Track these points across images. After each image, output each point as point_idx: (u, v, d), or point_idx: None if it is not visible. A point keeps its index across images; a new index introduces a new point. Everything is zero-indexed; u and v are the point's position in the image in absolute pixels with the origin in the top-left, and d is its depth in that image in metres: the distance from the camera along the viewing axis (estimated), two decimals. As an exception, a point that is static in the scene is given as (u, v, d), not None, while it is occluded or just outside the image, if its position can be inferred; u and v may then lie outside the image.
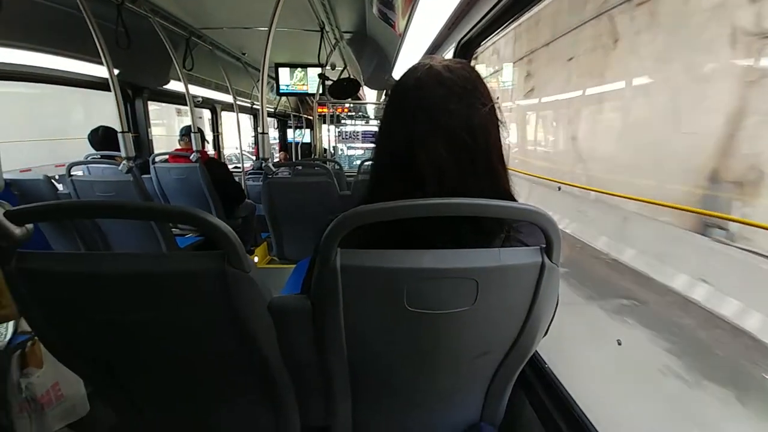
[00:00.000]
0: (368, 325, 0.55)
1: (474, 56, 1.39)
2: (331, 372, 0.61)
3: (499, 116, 0.56)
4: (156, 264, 0.51)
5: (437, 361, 0.62)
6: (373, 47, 2.88)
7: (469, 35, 1.34)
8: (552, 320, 0.64)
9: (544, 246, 0.53)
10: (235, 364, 0.61)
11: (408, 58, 1.86)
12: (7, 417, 1.19)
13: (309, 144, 7.07)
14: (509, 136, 0.58)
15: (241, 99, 4.65)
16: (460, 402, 0.71)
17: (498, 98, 0.58)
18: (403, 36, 1.54)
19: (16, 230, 0.50)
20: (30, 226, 0.51)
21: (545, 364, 0.89)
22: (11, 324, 1.20)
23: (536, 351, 0.82)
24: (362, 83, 3.87)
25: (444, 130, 0.52)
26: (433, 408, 0.71)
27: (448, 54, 1.57)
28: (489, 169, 0.55)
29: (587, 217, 4.10)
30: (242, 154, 4.27)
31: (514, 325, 0.58)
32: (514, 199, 0.58)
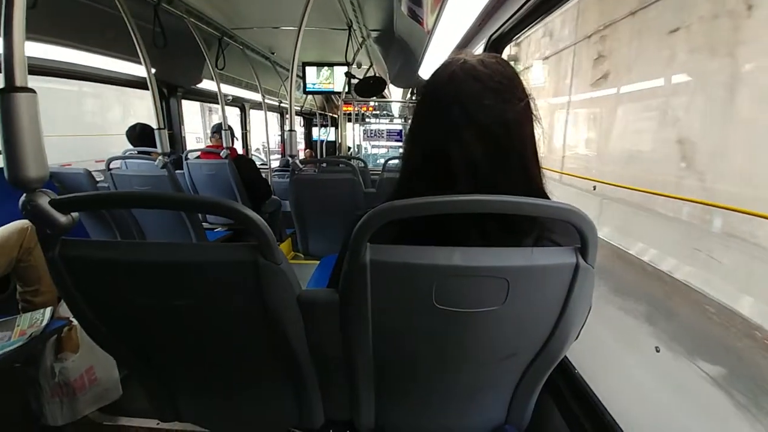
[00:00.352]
0: (395, 321, 0.55)
1: (517, 41, 1.34)
2: (356, 366, 0.61)
3: (534, 112, 0.55)
4: (193, 254, 0.53)
5: (463, 361, 0.61)
6: (399, 45, 2.88)
7: (500, 30, 1.32)
8: (584, 324, 0.62)
9: (578, 246, 0.51)
10: (263, 354, 0.62)
11: (436, 55, 1.85)
12: (37, 401, 1.26)
13: (333, 142, 7.15)
14: (549, 134, 0.56)
15: (269, 97, 4.75)
16: (484, 403, 0.70)
17: (541, 91, 0.56)
18: (431, 33, 1.53)
19: (62, 218, 0.52)
20: (75, 214, 0.54)
21: (575, 369, 0.86)
22: (48, 310, 1.27)
23: (566, 355, 0.80)
24: (388, 81, 3.87)
25: (478, 126, 0.51)
26: (457, 407, 0.70)
27: (478, 50, 1.54)
28: (522, 167, 0.54)
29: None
30: (269, 152, 4.36)
31: (544, 328, 0.56)
32: (547, 198, 0.56)
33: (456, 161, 0.52)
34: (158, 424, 1.27)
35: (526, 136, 0.54)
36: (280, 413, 0.73)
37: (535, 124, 0.55)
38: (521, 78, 0.55)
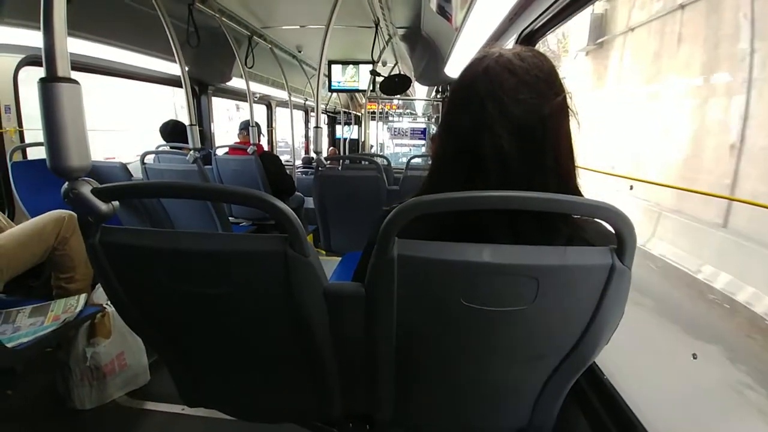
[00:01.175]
0: (421, 316, 0.55)
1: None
2: (378, 360, 0.61)
3: (571, 107, 0.53)
4: (225, 243, 0.54)
5: (488, 360, 0.60)
6: (426, 42, 2.86)
7: (532, 26, 1.28)
8: (616, 328, 0.59)
9: (614, 247, 0.49)
10: (288, 345, 0.63)
11: (464, 51, 1.82)
12: (66, 384, 1.31)
13: (357, 140, 7.19)
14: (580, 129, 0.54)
15: (295, 95, 4.82)
16: (507, 404, 0.68)
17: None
18: (460, 29, 1.51)
19: (103, 206, 0.54)
20: (115, 203, 0.56)
21: (603, 374, 0.83)
22: (83, 296, 1.32)
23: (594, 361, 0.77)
24: (413, 79, 3.85)
25: (513, 121, 0.50)
26: (479, 407, 0.69)
27: (509, 45, 1.50)
28: (557, 164, 0.52)
29: None
30: (294, 149, 4.43)
31: (574, 330, 0.54)
32: (580, 194, 0.54)
33: (488, 157, 0.51)
34: (183, 409, 1.31)
35: (562, 132, 0.52)
36: (302, 403, 0.74)
37: (571, 120, 0.53)
38: (558, 72, 0.53)
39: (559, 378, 0.61)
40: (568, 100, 0.53)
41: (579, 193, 0.55)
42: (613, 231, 0.47)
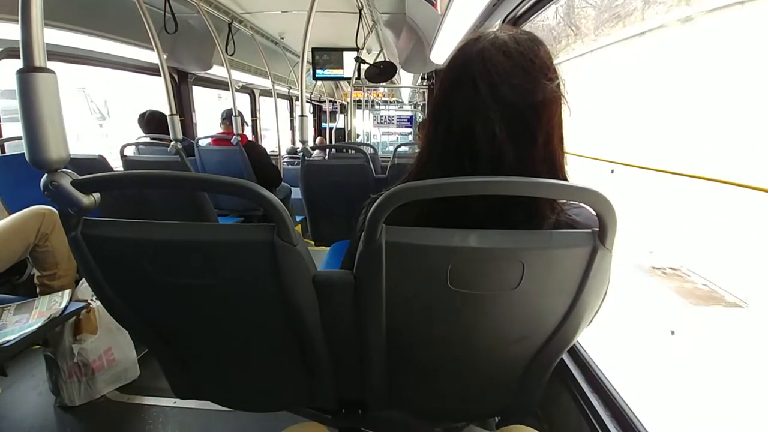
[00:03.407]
0: (409, 302, 0.55)
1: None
2: (368, 347, 0.62)
3: (564, 94, 0.52)
4: (211, 233, 0.53)
5: (475, 343, 0.61)
6: (410, 28, 2.82)
7: (515, 11, 1.28)
8: (598, 310, 0.61)
9: (597, 229, 0.50)
10: (278, 334, 0.64)
11: (449, 37, 1.81)
12: (54, 382, 1.30)
13: (343, 129, 7.12)
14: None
15: (279, 83, 4.73)
16: (496, 385, 0.71)
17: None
18: (444, 14, 1.49)
19: (83, 198, 0.53)
20: (97, 195, 0.54)
21: (585, 352, 0.86)
22: (67, 292, 1.30)
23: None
24: (399, 66, 3.81)
25: (505, 106, 0.49)
26: (467, 388, 0.71)
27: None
28: (549, 152, 0.52)
29: None
30: (279, 139, 4.36)
31: (558, 312, 0.56)
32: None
33: (479, 142, 0.51)
34: (175, 402, 1.31)
35: (554, 118, 0.52)
36: (294, 392, 0.75)
37: (563, 106, 0.53)
38: (552, 57, 0.52)
39: (544, 357, 0.63)
40: (561, 87, 0.52)
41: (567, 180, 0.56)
42: (595, 214, 0.49)
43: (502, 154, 0.50)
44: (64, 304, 1.24)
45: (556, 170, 0.54)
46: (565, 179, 0.55)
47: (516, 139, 0.50)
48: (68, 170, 0.53)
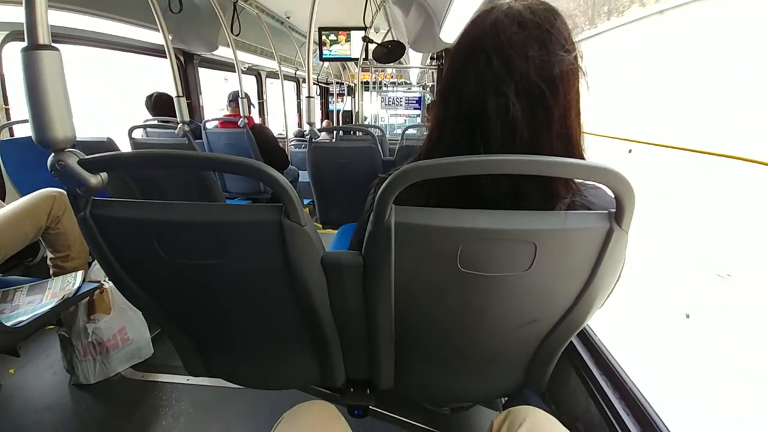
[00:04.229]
0: (418, 283, 0.55)
1: None
2: (377, 328, 0.62)
3: (581, 66, 0.50)
4: (220, 213, 0.53)
5: (485, 325, 0.61)
6: (420, 5, 2.74)
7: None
8: (612, 292, 0.60)
9: (613, 210, 0.49)
10: (287, 314, 0.64)
11: (460, 13, 1.75)
12: (69, 361, 1.33)
13: (350, 111, 7.04)
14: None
15: (285, 65, 4.66)
16: (504, 366, 0.71)
17: None
18: (455, -11, 1.44)
19: (91, 178, 0.53)
20: (104, 175, 0.54)
21: (595, 334, 0.85)
22: (80, 273, 1.31)
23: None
24: (407, 46, 3.73)
25: (520, 79, 0.47)
26: (476, 370, 0.71)
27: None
28: (565, 127, 0.50)
29: None
30: (286, 121, 4.33)
31: (569, 294, 0.55)
32: None
33: (492, 119, 0.49)
34: (188, 379, 1.34)
35: (571, 92, 0.49)
36: (304, 371, 0.76)
37: (581, 80, 0.51)
38: (569, 28, 0.50)
39: (554, 340, 0.63)
40: (579, 60, 0.49)
41: (583, 158, 0.53)
42: (613, 195, 0.47)
43: (516, 131, 0.48)
44: (77, 285, 1.26)
45: (573, 148, 0.52)
46: (582, 158, 0.53)
47: (531, 115, 0.48)
48: (75, 150, 0.53)
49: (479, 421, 1.13)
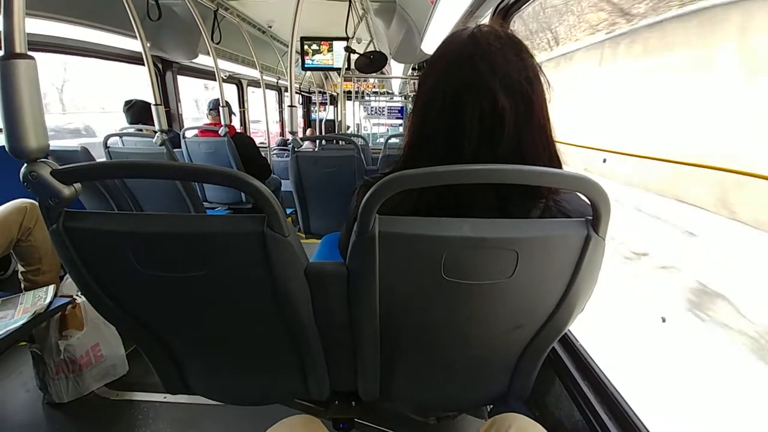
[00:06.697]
0: (403, 293, 0.55)
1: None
2: (362, 338, 0.61)
3: (546, 78, 0.55)
4: (200, 225, 0.52)
5: (469, 332, 0.61)
6: (401, 17, 2.78)
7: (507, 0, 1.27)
8: (590, 297, 0.61)
9: (590, 218, 0.50)
10: (271, 326, 0.63)
11: (440, 26, 1.79)
12: (42, 379, 1.26)
13: (333, 121, 7.05)
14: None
15: (267, 74, 4.64)
16: (488, 374, 0.71)
17: None
18: (436, 2, 1.47)
19: (64, 189, 0.51)
20: (78, 185, 0.52)
21: (576, 340, 0.87)
22: (51, 288, 1.26)
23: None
24: (389, 57, 3.77)
25: (503, 77, 0.51)
26: (461, 378, 0.71)
27: (484, 21, 1.49)
28: (543, 119, 0.54)
29: None
30: (268, 129, 4.29)
31: (551, 300, 0.56)
32: (559, 160, 0.56)
33: (476, 116, 0.52)
34: (165, 397, 1.29)
35: (543, 96, 0.54)
36: (287, 384, 0.74)
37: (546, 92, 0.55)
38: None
39: (537, 346, 0.64)
40: (541, 73, 0.55)
41: (559, 160, 0.56)
42: (589, 202, 0.49)
43: (504, 124, 0.51)
44: (48, 300, 1.21)
45: (548, 138, 0.55)
46: (558, 160, 0.56)
47: (515, 107, 0.52)
48: (48, 160, 0.51)
49: (465, 431, 1.13)
